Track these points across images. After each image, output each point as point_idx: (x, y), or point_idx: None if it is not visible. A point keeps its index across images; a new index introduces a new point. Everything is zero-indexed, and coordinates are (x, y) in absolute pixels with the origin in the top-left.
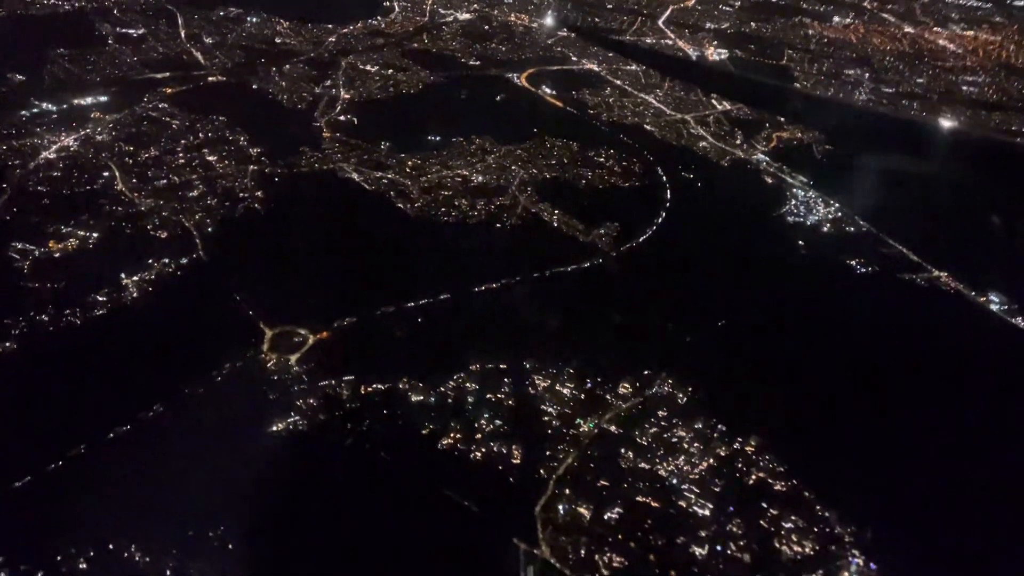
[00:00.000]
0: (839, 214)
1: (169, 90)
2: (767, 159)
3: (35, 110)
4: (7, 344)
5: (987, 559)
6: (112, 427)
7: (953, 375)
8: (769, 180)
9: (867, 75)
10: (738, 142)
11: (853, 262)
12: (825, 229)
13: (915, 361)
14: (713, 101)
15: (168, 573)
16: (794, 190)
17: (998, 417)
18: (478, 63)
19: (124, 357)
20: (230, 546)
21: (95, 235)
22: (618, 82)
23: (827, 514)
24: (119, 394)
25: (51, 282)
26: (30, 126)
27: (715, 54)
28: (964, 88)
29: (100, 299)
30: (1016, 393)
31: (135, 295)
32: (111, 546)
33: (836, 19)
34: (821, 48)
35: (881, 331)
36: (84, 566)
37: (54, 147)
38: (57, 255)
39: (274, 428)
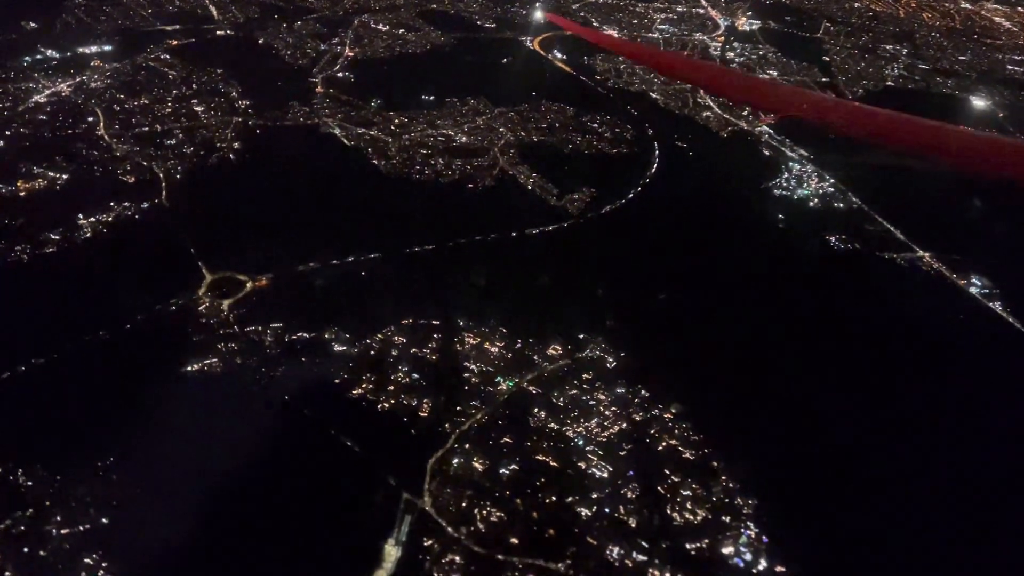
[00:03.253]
0: (831, 190)
1: (174, 42)
2: (771, 131)
3: (38, 56)
4: None
5: (888, 547)
6: (27, 361)
7: (911, 355)
8: (767, 152)
9: (905, 50)
10: (745, 113)
11: (832, 238)
12: (812, 204)
13: (872, 338)
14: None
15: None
16: (790, 163)
17: (959, 403)
18: (493, 26)
19: (60, 295)
20: (114, 477)
21: (64, 177)
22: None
23: (731, 485)
24: (42, 330)
25: (10, 219)
26: (28, 71)
27: (746, 24)
28: (1009, 67)
29: (53, 237)
30: (982, 378)
31: (88, 235)
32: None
33: None
34: (863, 22)
35: (843, 307)
36: None
37: (47, 92)
38: (23, 194)
39: (188, 368)
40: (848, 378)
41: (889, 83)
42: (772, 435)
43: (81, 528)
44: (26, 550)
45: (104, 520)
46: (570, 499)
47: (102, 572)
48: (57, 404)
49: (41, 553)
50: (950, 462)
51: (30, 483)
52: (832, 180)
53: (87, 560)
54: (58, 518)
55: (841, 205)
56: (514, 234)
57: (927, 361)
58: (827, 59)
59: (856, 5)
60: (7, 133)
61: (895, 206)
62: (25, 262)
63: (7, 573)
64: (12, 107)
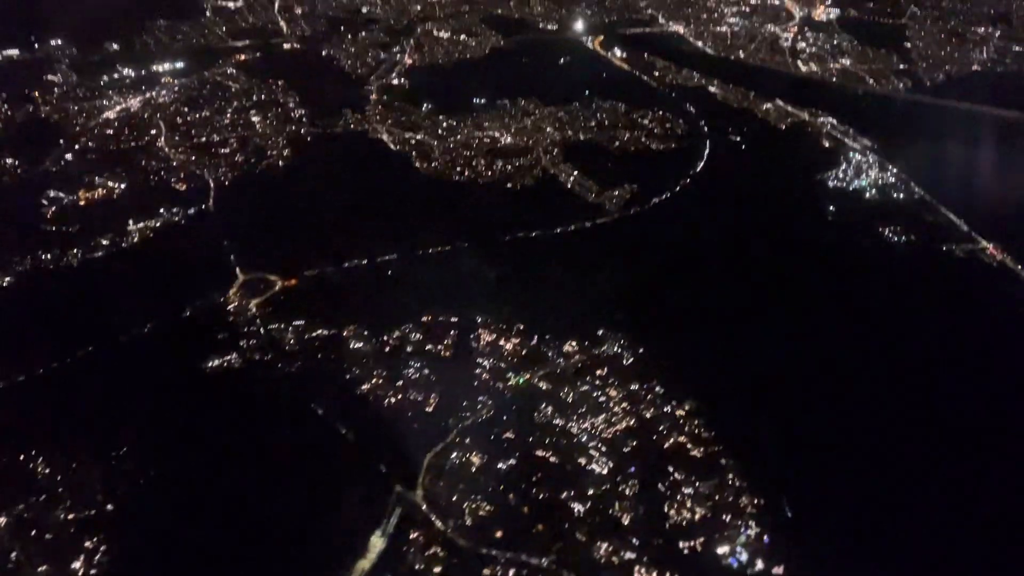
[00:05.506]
0: (892, 180)
1: (242, 57)
2: (834, 121)
3: (115, 75)
4: (8, 279)
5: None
6: (61, 359)
7: (954, 350)
8: (826, 143)
9: (999, 33)
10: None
11: (887, 229)
12: (868, 195)
13: (914, 334)
14: (799, 63)
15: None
16: (850, 154)
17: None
18: (555, 27)
19: (100, 297)
20: (124, 467)
21: (122, 186)
22: (699, 44)
23: (737, 483)
24: (74, 330)
25: (67, 226)
26: (104, 89)
27: (824, 13)
28: None
29: (104, 243)
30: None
31: (135, 240)
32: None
33: None
34: (954, 5)
35: (889, 301)
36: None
37: (117, 108)
38: (82, 203)
39: (208, 365)
40: (882, 378)
41: (975, 67)
42: (790, 436)
43: (87, 513)
44: (33, 533)
45: (109, 507)
46: (564, 495)
47: (100, 555)
48: (80, 398)
49: (47, 536)
50: (988, 466)
51: (47, 470)
52: (894, 170)
53: (87, 544)
54: (68, 502)
55: (902, 196)
56: (534, 234)
57: (965, 356)
58: (908, 45)
59: None
60: (76, 147)
61: (960, 196)
62: (75, 266)
63: (14, 554)
64: (84, 122)
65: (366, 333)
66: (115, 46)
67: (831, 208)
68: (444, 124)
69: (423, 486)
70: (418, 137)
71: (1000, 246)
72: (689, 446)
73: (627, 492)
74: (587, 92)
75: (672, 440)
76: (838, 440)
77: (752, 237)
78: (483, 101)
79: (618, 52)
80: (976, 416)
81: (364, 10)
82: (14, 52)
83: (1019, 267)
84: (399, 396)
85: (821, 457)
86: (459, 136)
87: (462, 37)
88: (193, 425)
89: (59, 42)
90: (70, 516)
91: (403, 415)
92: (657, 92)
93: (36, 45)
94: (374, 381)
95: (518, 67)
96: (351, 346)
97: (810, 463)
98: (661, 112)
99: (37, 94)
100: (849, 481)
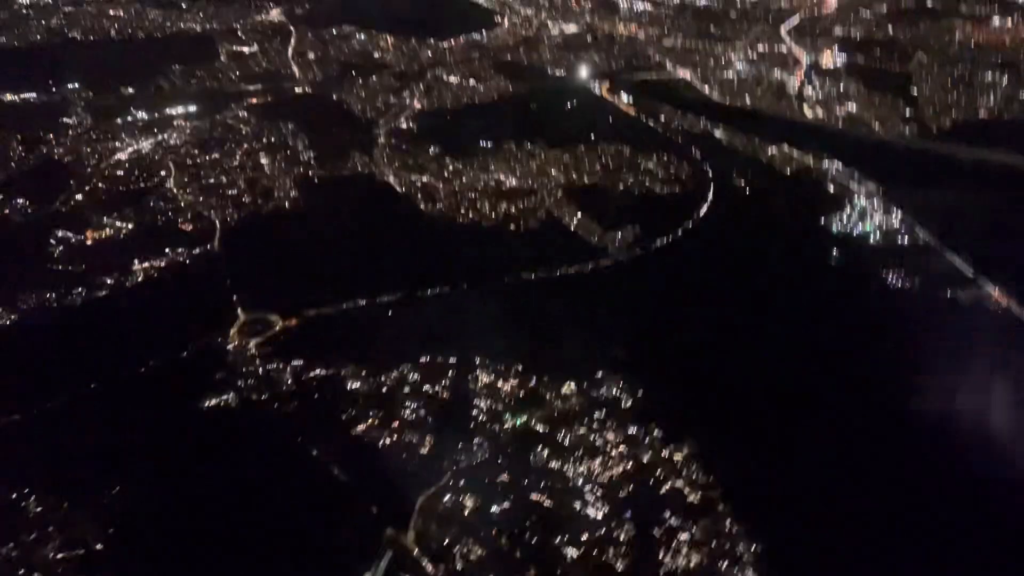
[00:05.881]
0: (897, 224)
1: (254, 100)
2: (839, 164)
3: (129, 118)
4: (13, 317)
5: None
6: (57, 398)
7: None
8: (831, 188)
9: (1005, 79)
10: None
11: (889, 273)
12: (873, 240)
13: (915, 379)
14: (805, 108)
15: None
16: (856, 198)
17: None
18: (564, 73)
19: (105, 334)
20: (116, 506)
21: (129, 226)
22: (706, 89)
23: (734, 530)
24: (82, 366)
25: (73, 266)
26: (118, 131)
27: (831, 60)
28: None
29: (108, 282)
30: None
31: (140, 279)
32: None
33: (996, 20)
34: (962, 52)
35: (890, 349)
36: None
37: (129, 149)
38: (89, 243)
39: (204, 405)
40: (885, 426)
41: (982, 114)
42: (789, 482)
43: (76, 553)
44: (22, 572)
45: (99, 547)
46: (558, 540)
47: None
48: (76, 437)
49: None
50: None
51: (39, 509)
52: (900, 215)
53: None
54: (57, 541)
55: (907, 240)
56: (532, 276)
57: (969, 402)
58: (915, 91)
59: (958, 36)
60: (86, 188)
61: (967, 240)
62: (79, 305)
63: None
64: (96, 164)
65: (364, 373)
66: (131, 90)
67: (835, 252)
68: (450, 167)
69: (415, 528)
70: (424, 179)
71: (1005, 292)
72: (686, 491)
73: (621, 537)
74: (592, 136)
75: (669, 485)
76: (838, 488)
77: (754, 281)
78: (489, 144)
79: (624, 97)
80: (982, 465)
81: (376, 55)
82: (32, 95)
83: None
84: (394, 437)
85: (820, 504)
86: (465, 179)
87: (471, 82)
88: (186, 465)
89: (76, 85)
90: (59, 555)
91: (397, 456)
92: (662, 136)
93: (54, 89)
94: (370, 422)
95: (525, 111)
96: (348, 386)
97: (809, 510)
98: (665, 156)
99: (52, 136)
100: (849, 529)
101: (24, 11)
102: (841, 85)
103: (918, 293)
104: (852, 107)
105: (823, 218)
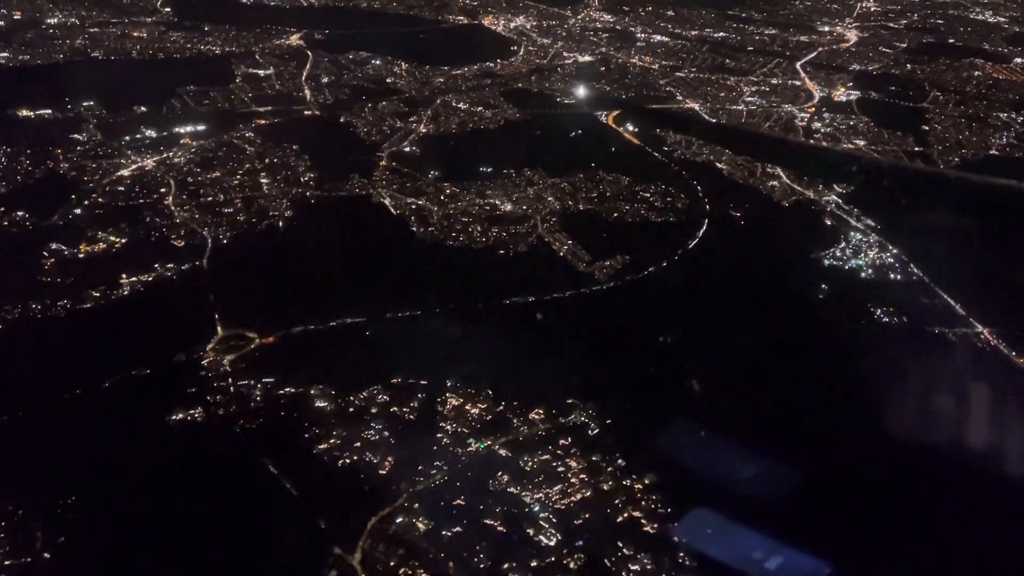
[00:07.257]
0: (891, 261)
1: (262, 121)
2: (838, 201)
3: (137, 136)
4: None
5: None
6: (18, 410)
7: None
8: (828, 222)
9: (1021, 118)
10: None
11: (878, 310)
12: (863, 275)
13: (903, 419)
14: (811, 142)
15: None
16: (851, 233)
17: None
18: (572, 101)
19: (84, 347)
20: (69, 516)
21: (123, 241)
22: (714, 120)
23: (687, 563)
24: (51, 379)
25: (62, 278)
26: (124, 149)
27: (843, 95)
28: None
29: (94, 295)
30: None
31: (125, 293)
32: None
33: (1018, 61)
34: (979, 90)
35: (873, 383)
36: None
37: (133, 166)
38: (81, 256)
39: (171, 418)
40: (868, 461)
41: (993, 152)
42: (757, 520)
43: (22, 560)
44: None
45: (46, 555)
46: (506, 565)
47: None
48: (35, 448)
49: None
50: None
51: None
52: (894, 251)
53: None
54: (6, 548)
55: (899, 277)
56: (507, 301)
57: (955, 440)
58: (926, 128)
59: (976, 74)
60: (85, 202)
61: (961, 279)
62: (62, 317)
63: None
64: (98, 180)
65: (333, 393)
66: (143, 109)
67: (823, 286)
68: (447, 191)
69: (362, 549)
70: (419, 202)
71: (995, 331)
72: (643, 521)
73: (571, 565)
74: (592, 164)
75: (626, 514)
76: (813, 529)
77: (737, 314)
78: (489, 170)
79: (629, 127)
80: (968, 504)
81: (389, 80)
82: (47, 111)
83: (1012, 353)
84: (355, 457)
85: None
86: (460, 203)
87: (479, 108)
88: (144, 478)
89: (92, 103)
90: (6, 562)
91: (355, 476)
92: (663, 166)
93: (70, 106)
94: (332, 441)
95: (528, 138)
96: (315, 404)
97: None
98: (664, 186)
99: (59, 151)
100: None
101: (51, 31)
102: (852, 120)
103: (906, 328)
104: (860, 142)
105: (816, 252)
